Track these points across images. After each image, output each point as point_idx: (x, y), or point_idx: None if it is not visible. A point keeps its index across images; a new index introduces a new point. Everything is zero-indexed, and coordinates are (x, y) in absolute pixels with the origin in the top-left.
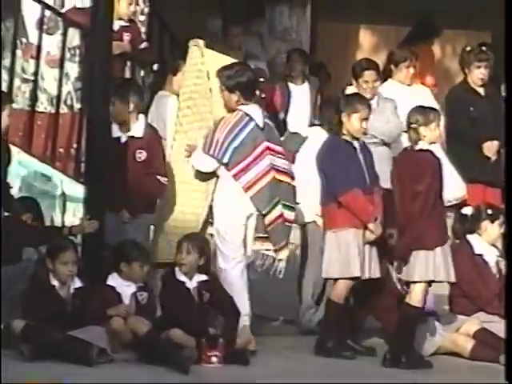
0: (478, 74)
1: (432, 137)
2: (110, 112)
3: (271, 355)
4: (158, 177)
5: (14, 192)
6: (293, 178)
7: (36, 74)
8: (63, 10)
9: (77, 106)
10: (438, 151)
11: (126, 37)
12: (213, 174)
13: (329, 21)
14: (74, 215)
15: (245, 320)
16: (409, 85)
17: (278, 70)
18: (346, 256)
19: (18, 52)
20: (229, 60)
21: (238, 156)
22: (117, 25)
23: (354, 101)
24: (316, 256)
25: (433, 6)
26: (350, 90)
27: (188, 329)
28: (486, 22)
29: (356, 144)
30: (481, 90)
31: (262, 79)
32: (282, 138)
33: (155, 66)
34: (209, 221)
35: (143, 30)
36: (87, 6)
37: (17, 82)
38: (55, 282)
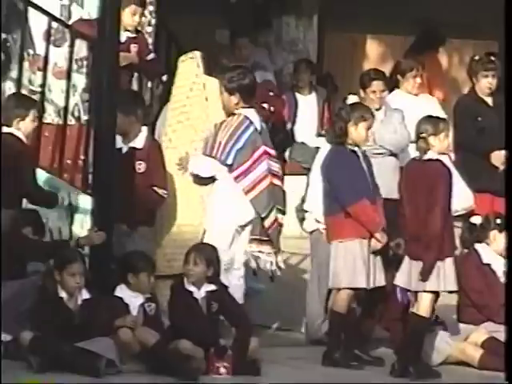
0: (485, 83)
1: (441, 147)
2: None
3: (278, 365)
4: (156, 189)
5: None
6: (283, 181)
7: (43, 85)
8: (70, 22)
9: (84, 117)
10: (446, 161)
11: (134, 48)
12: (209, 180)
13: (335, 31)
14: (81, 227)
15: None
16: (416, 94)
17: (285, 81)
18: (352, 266)
19: (25, 64)
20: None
21: (241, 158)
22: (124, 36)
23: (361, 109)
24: (322, 265)
25: (440, 15)
26: (351, 99)
27: (195, 339)
28: (493, 31)
29: (359, 153)
30: (488, 100)
31: (271, 93)
32: (289, 148)
33: (164, 77)
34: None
35: (150, 41)
36: (94, 17)
37: (24, 93)
38: (63, 294)
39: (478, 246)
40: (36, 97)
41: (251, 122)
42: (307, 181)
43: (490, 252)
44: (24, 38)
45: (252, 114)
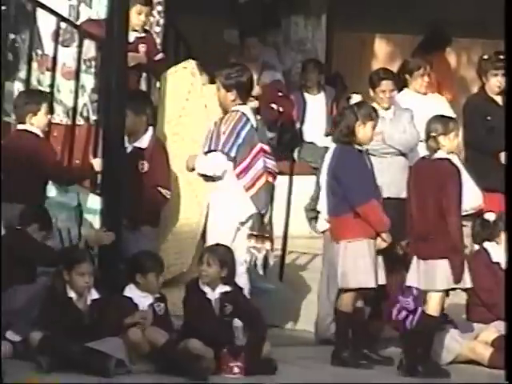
0: (495, 82)
1: (451, 146)
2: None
3: (288, 365)
4: (160, 189)
5: None
6: (275, 179)
7: (52, 85)
8: (79, 22)
9: (93, 117)
10: (455, 160)
11: (142, 48)
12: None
13: (344, 30)
14: (91, 227)
15: None
16: (424, 94)
17: (294, 80)
18: (362, 267)
19: (34, 64)
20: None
21: (241, 154)
22: (132, 36)
23: (369, 109)
24: (333, 265)
25: (448, 14)
26: (354, 98)
27: (206, 339)
28: (501, 30)
29: (365, 152)
30: (498, 99)
31: (280, 93)
32: (297, 148)
33: None
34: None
35: (159, 41)
36: (103, 17)
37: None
38: (72, 294)
39: (487, 244)
40: None
41: (248, 119)
42: (316, 181)
43: (500, 250)
44: (32, 39)
45: (248, 110)
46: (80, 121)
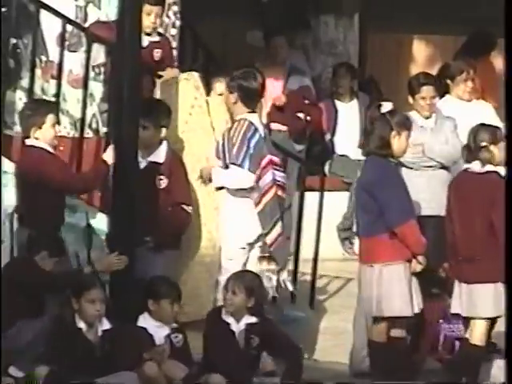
0: None
1: (500, 157)
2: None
3: None
4: (184, 206)
5: None
6: (285, 191)
7: (57, 95)
8: (86, 25)
9: (103, 129)
10: (502, 173)
11: (157, 54)
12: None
13: (379, 31)
14: (101, 249)
15: None
16: (468, 100)
17: (324, 87)
18: (397, 292)
19: (38, 71)
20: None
21: (252, 166)
22: (146, 40)
23: (403, 117)
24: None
25: (492, 12)
26: (385, 106)
27: (228, 375)
28: None
29: (399, 166)
30: None
31: (306, 101)
32: (328, 162)
33: None
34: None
35: (175, 44)
36: (113, 19)
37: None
38: (82, 324)
39: None
40: None
41: (256, 129)
42: (350, 197)
43: None
44: (36, 43)
45: (256, 119)
46: (89, 133)
